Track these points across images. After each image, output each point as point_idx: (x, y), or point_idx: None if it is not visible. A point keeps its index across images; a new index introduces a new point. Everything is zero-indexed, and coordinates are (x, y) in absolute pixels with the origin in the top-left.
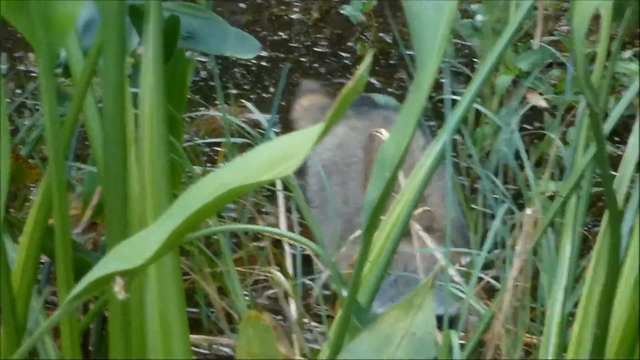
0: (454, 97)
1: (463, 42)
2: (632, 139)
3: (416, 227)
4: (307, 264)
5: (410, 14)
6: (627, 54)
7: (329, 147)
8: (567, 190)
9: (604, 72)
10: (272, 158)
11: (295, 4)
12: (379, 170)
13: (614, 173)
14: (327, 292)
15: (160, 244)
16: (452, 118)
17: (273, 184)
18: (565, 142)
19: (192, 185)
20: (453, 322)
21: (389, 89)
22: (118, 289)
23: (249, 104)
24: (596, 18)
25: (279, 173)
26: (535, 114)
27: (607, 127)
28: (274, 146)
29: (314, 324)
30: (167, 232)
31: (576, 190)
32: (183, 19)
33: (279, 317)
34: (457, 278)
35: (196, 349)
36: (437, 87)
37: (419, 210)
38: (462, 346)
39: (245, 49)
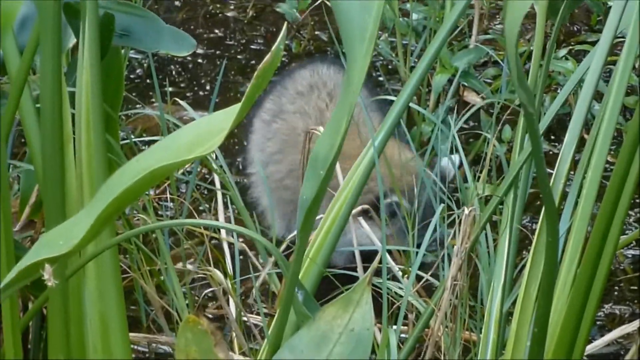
0: (390, 97)
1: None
2: (568, 137)
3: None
4: (245, 264)
5: (338, 12)
6: (562, 52)
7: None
8: (504, 188)
9: (539, 70)
10: (194, 139)
11: (231, 1)
12: (312, 168)
13: (551, 171)
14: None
15: (86, 230)
16: (390, 117)
17: (212, 182)
18: (500, 141)
19: (117, 170)
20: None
21: None
22: (47, 276)
23: (183, 103)
24: (533, 16)
25: (202, 152)
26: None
27: (543, 125)
28: (194, 128)
29: (253, 321)
30: (93, 217)
31: (513, 188)
32: (118, 17)
33: (219, 314)
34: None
35: (135, 347)
36: (377, 85)
37: (358, 208)
38: (401, 343)
39: (181, 46)
